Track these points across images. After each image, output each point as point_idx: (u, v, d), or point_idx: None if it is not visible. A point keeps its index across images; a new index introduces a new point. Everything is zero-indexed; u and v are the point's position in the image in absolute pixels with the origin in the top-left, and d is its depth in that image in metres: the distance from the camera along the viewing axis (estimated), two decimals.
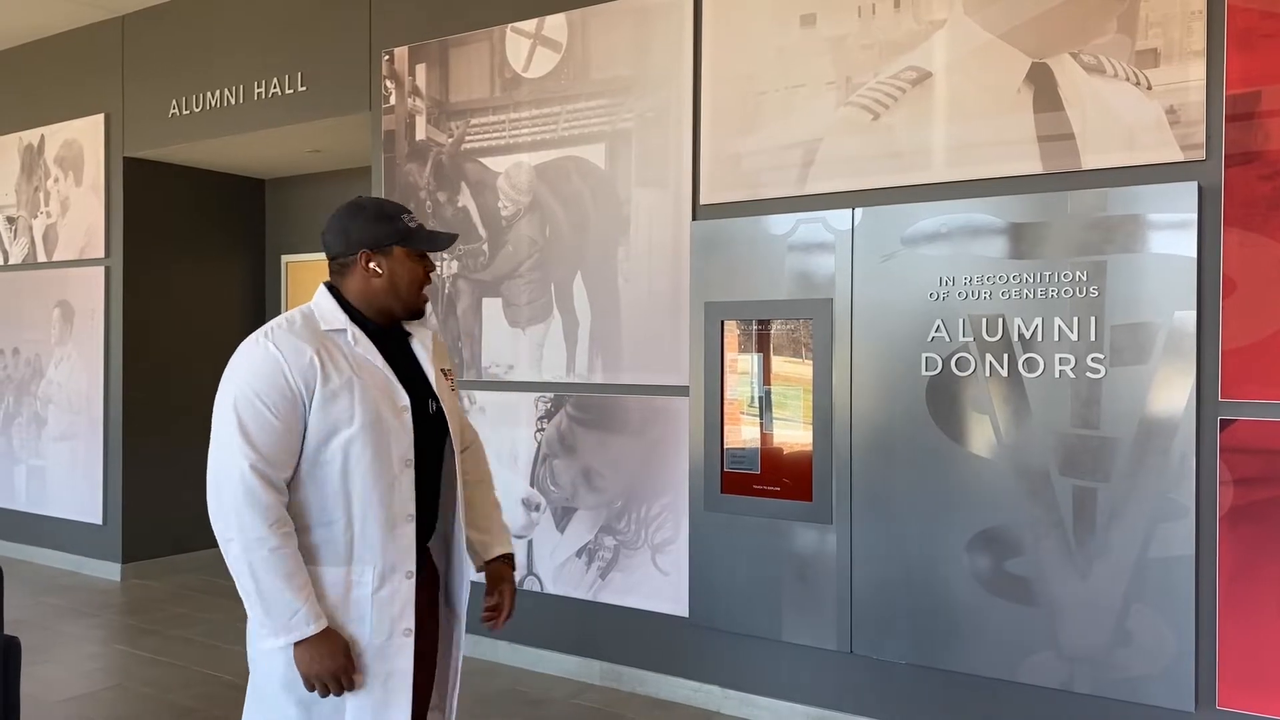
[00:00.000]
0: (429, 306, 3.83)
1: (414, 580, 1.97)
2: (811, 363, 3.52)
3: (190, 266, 6.26)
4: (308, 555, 1.90)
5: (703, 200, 3.80)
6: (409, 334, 2.09)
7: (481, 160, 4.40)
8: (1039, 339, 3.12)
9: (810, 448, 3.53)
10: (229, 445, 1.85)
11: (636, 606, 3.98)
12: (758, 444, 3.66)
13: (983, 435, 3.21)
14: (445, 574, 2.16)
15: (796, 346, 3.58)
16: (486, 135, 4.38)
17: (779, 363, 3.62)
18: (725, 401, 3.72)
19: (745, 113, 3.72)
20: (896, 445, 3.35)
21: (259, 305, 6.66)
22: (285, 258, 6.61)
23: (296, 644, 1.84)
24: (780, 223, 3.59)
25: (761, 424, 3.65)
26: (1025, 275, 3.14)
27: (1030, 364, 3.13)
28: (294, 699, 1.89)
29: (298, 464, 1.89)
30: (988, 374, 3.20)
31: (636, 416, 3.95)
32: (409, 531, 1.97)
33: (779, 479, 3.61)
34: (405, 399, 1.98)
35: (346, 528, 1.91)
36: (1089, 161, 3.11)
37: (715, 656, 3.79)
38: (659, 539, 3.93)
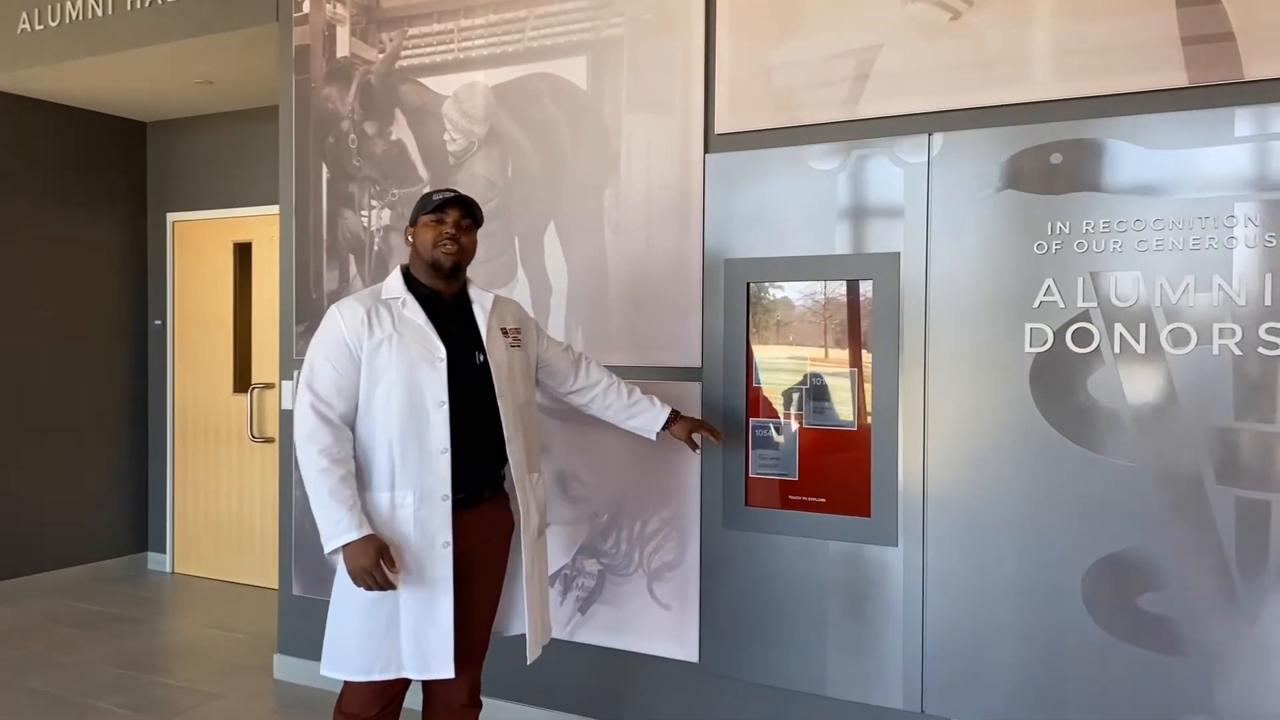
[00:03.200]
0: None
1: (449, 503, 2.33)
2: (871, 338, 2.70)
3: (52, 226, 5.14)
4: (364, 481, 2.33)
5: (719, 128, 2.94)
6: (471, 299, 2.50)
7: (422, 81, 3.46)
8: (1189, 304, 2.36)
9: (869, 447, 2.71)
10: (301, 388, 2.32)
11: (627, 649, 3.12)
12: (796, 443, 2.83)
13: (1109, 430, 2.43)
14: (525, 502, 2.49)
15: (850, 317, 2.75)
16: (429, 48, 3.44)
17: (826, 338, 2.79)
18: (751, 389, 2.88)
19: (777, 11, 2.87)
20: (988, 443, 2.56)
21: (140, 272, 5.56)
22: (171, 216, 5.52)
23: (344, 546, 2.22)
24: (828, 155, 2.75)
25: (801, 417, 2.82)
26: (1170, 220, 2.37)
27: (1177, 337, 2.37)
28: (361, 592, 2.27)
29: (358, 406, 2.33)
30: (1116, 350, 2.43)
31: None
32: (444, 461, 2.32)
33: (825, 488, 2.79)
34: (441, 351, 2.35)
35: (389, 459, 2.32)
36: (1255, 70, 2.35)
37: (734, 715, 2.96)
38: (658, 563, 3.07)
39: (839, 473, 2.76)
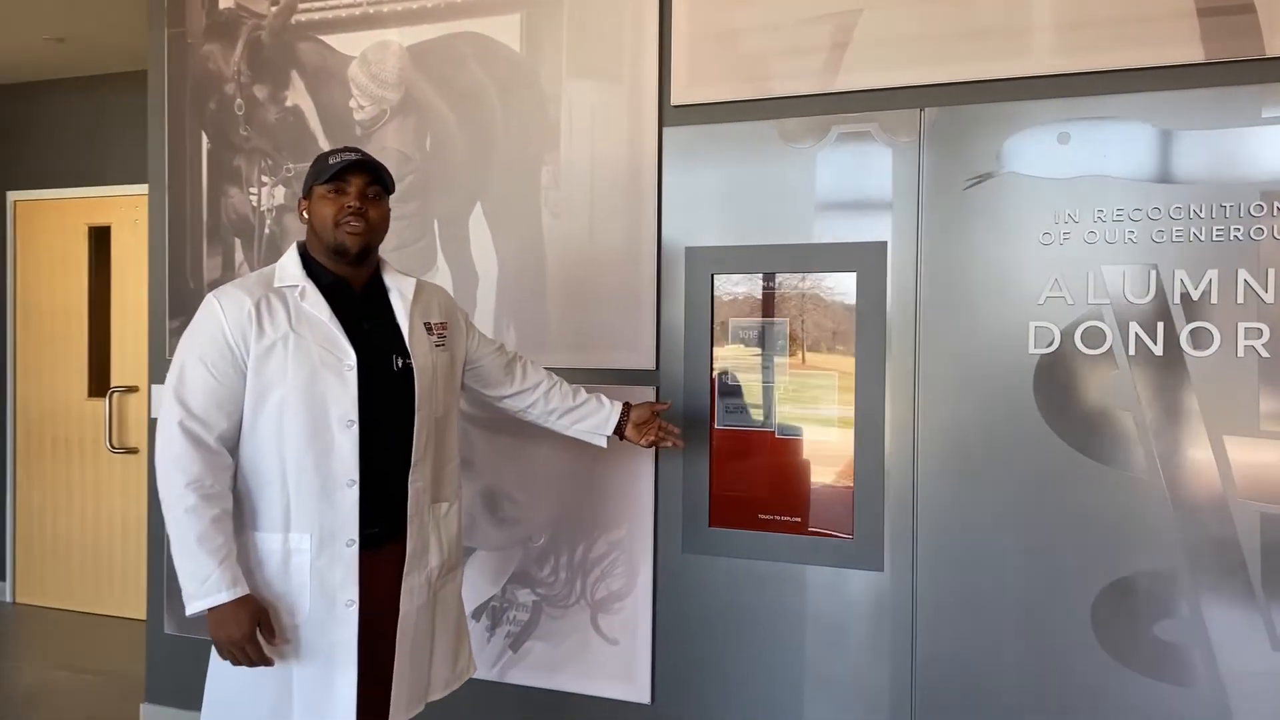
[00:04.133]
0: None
1: (356, 548, 1.91)
2: (854, 337, 2.40)
3: None
4: (248, 520, 1.90)
5: (676, 99, 2.60)
6: (388, 286, 2.06)
7: (323, 39, 2.99)
8: (1212, 300, 2.14)
9: (850, 461, 2.41)
10: (168, 399, 1.86)
11: (567, 690, 2.74)
12: (767, 456, 2.50)
13: (1122, 440, 2.20)
14: (421, 542, 2.04)
15: (830, 314, 2.45)
16: (333, 1, 2.98)
17: (803, 337, 2.48)
18: (716, 394, 2.54)
19: None
20: (986, 455, 2.29)
21: None
22: (12, 195, 4.83)
23: (210, 610, 1.80)
24: (806, 131, 2.44)
25: (773, 426, 2.50)
26: (1192, 208, 2.15)
27: (1198, 337, 2.15)
28: (241, 669, 1.86)
29: (241, 424, 1.89)
30: (1131, 351, 2.19)
31: None
32: (352, 496, 1.90)
33: (800, 506, 2.47)
34: (351, 356, 1.91)
35: (281, 491, 1.89)
36: (1278, 45, 2.15)
37: None
38: (604, 592, 2.70)
39: (818, 489, 2.46)
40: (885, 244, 2.36)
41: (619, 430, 2.30)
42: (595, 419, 2.30)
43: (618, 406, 2.30)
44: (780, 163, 2.45)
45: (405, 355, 2.00)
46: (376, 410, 1.93)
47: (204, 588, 1.79)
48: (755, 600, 2.49)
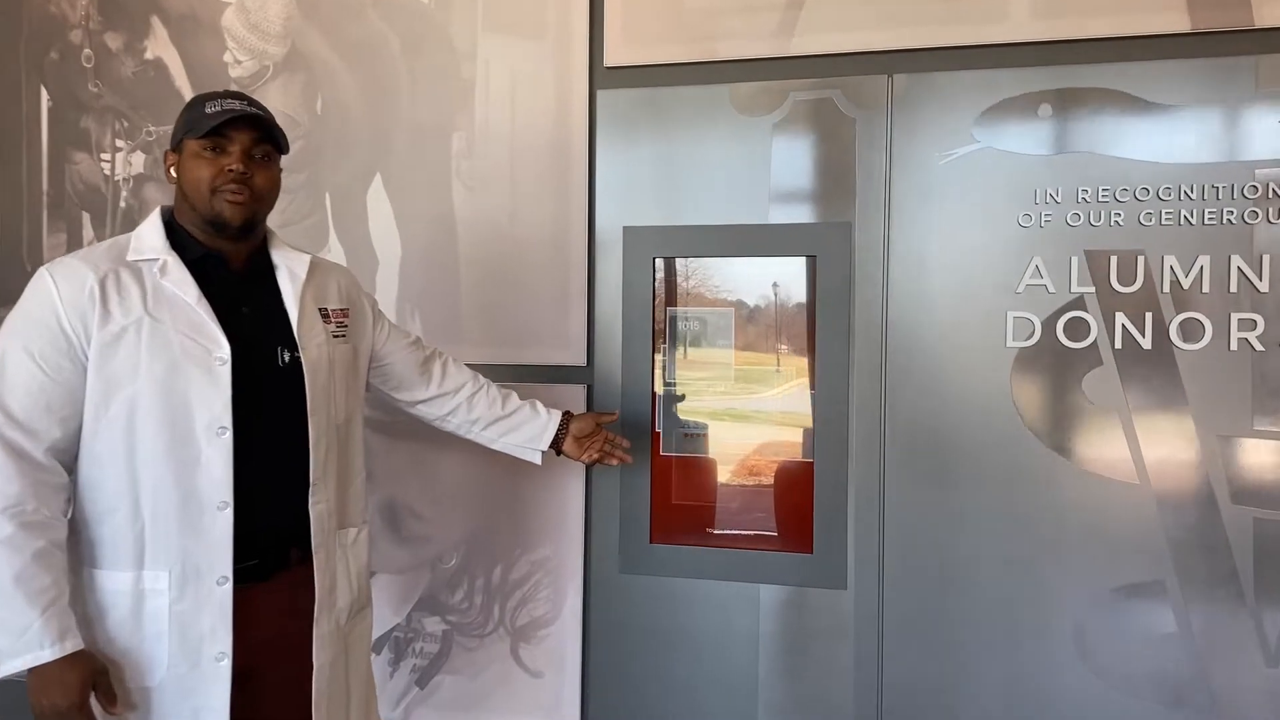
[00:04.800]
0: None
1: (230, 587, 1.55)
2: (814, 329, 2.15)
3: None
4: (87, 554, 1.54)
5: (610, 59, 2.29)
6: (275, 263, 1.71)
7: None
8: (1203, 289, 1.97)
9: (809, 466, 2.16)
10: None
11: None
12: (717, 462, 2.23)
13: (1106, 442, 2.01)
14: (329, 578, 1.68)
15: (788, 303, 2.19)
16: None
17: (756, 328, 2.21)
18: (658, 393, 2.25)
19: None
20: (960, 460, 2.07)
21: None
22: None
23: (30, 671, 1.43)
24: (760, 98, 2.17)
25: (717, 429, 2.23)
26: (1182, 189, 1.98)
27: (1189, 329, 1.98)
28: None
29: (80, 433, 1.52)
30: (1117, 345, 2.01)
31: None
32: (222, 523, 1.54)
33: (754, 517, 2.21)
34: (223, 347, 1.56)
35: (133, 518, 1.52)
36: (1267, 15, 2.00)
37: None
38: (525, 619, 2.38)
39: (774, 498, 2.20)
40: (849, 225, 2.12)
41: (556, 444, 1.98)
42: (527, 431, 1.98)
43: (555, 416, 1.99)
44: (731, 133, 2.18)
45: (294, 347, 1.66)
46: (256, 414, 1.59)
47: (22, 641, 1.42)
48: (704, 625, 2.22)
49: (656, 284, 2.22)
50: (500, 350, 2.36)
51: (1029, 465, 2.04)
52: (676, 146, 2.20)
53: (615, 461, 2.02)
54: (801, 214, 2.14)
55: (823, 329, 2.13)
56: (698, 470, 2.24)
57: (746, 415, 2.20)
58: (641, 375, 2.23)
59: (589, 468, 2.29)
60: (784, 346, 2.18)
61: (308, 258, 1.75)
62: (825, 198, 2.13)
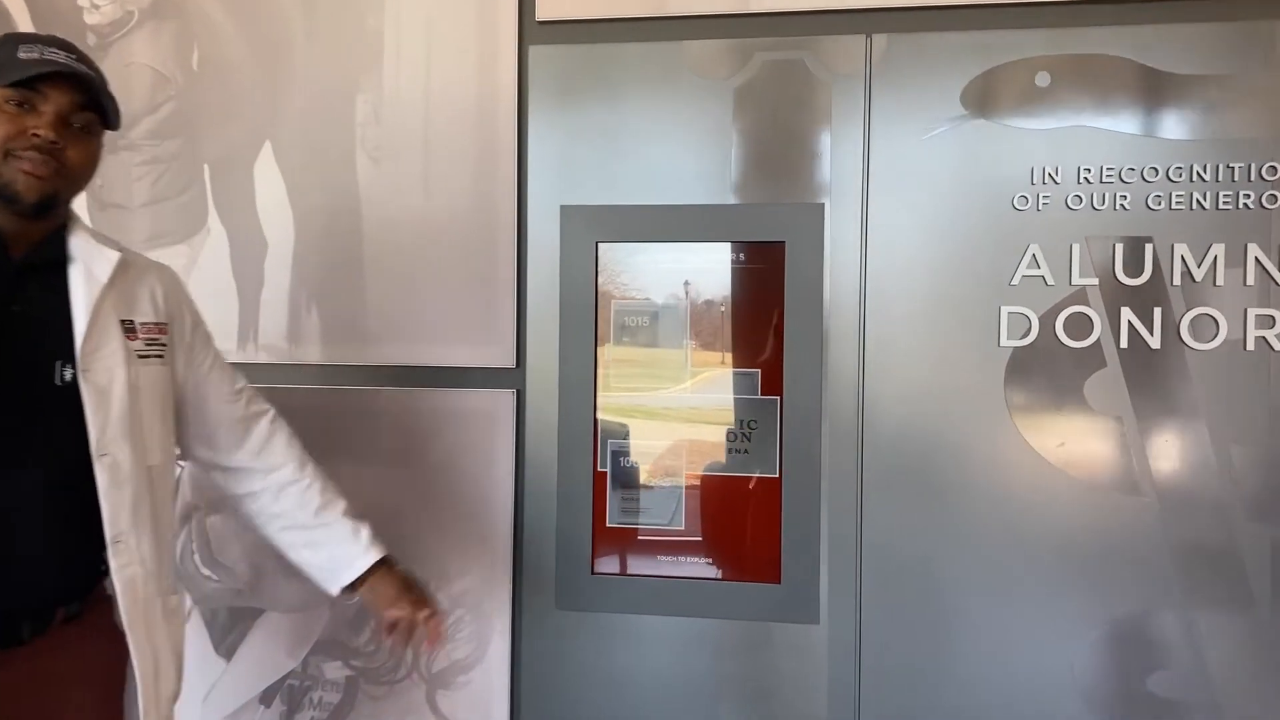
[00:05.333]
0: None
1: None
2: (782, 326, 1.87)
3: None
4: None
5: (543, 13, 1.97)
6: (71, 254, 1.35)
7: None
8: (1216, 281, 1.76)
9: (777, 484, 1.88)
10: None
11: None
12: (673, 481, 1.93)
13: (1110, 453, 1.78)
14: (151, 659, 1.36)
15: (752, 295, 1.90)
16: None
17: (716, 326, 1.92)
18: (601, 400, 1.94)
19: None
20: (948, 475, 1.82)
21: None
22: None
23: None
24: (720, 59, 1.88)
25: (667, 442, 1.93)
26: (1194, 169, 1.76)
27: (1200, 327, 1.76)
28: None
29: None
30: (1122, 344, 1.78)
31: (395, 431, 2.02)
32: None
33: (712, 543, 1.92)
34: None
35: None
36: None
37: None
38: (444, 663, 2.05)
39: (736, 522, 1.91)
40: (822, 206, 1.85)
41: (357, 584, 1.56)
42: (330, 554, 1.55)
43: (372, 555, 1.56)
44: (686, 99, 1.88)
45: (74, 364, 1.31)
46: (18, 444, 1.27)
47: None
48: (654, 667, 1.92)
49: (600, 273, 1.91)
50: (413, 350, 2.02)
51: (1025, 480, 1.80)
52: (622, 113, 1.90)
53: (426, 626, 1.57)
54: (766, 192, 1.86)
55: (792, 326, 1.85)
56: (648, 489, 1.94)
57: (695, 421, 1.91)
58: (582, 378, 1.92)
59: (519, 482, 1.97)
60: (748, 348, 1.90)
61: (116, 255, 1.40)
62: (795, 175, 1.85)
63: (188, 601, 2.07)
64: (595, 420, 1.92)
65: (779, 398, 1.87)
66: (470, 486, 1.99)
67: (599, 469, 1.93)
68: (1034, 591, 1.80)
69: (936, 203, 1.81)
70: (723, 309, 1.89)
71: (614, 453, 1.93)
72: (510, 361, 1.98)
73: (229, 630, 2.11)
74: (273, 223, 2.06)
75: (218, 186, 2.09)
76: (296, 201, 2.06)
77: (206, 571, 2.10)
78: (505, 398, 1.98)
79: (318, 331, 2.05)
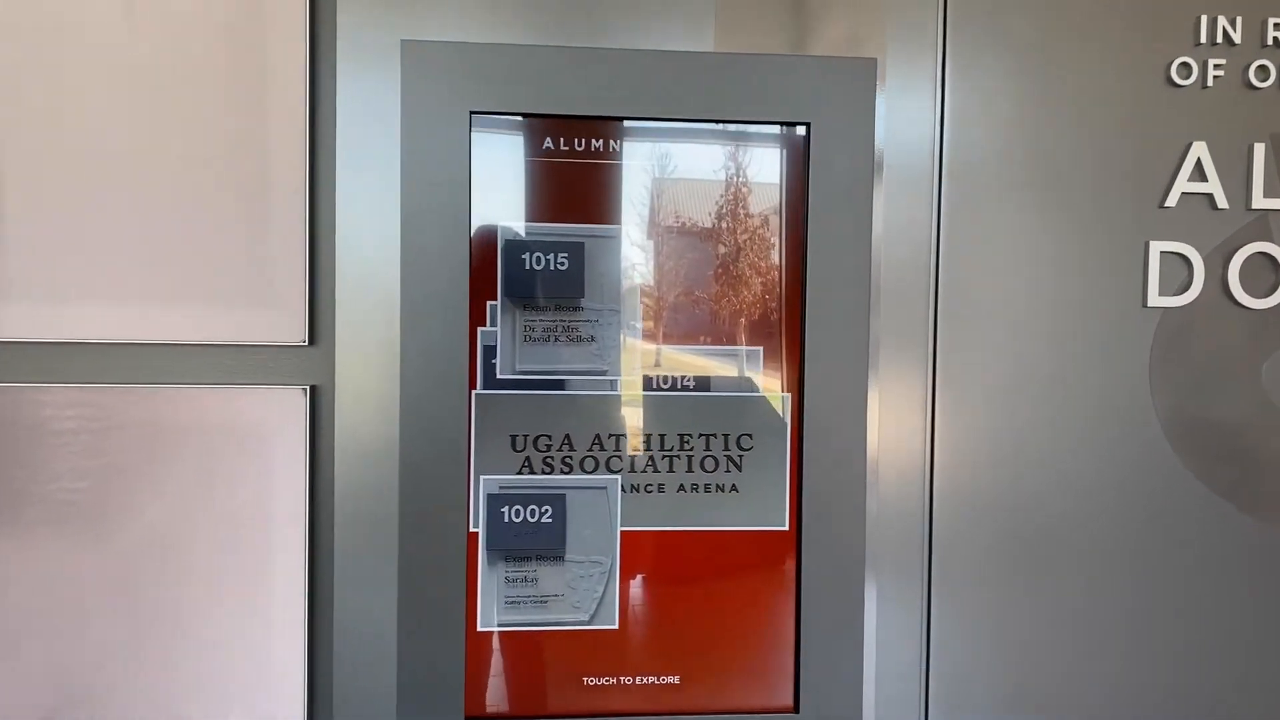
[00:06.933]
0: None
1: None
2: (799, 276, 1.08)
3: None
4: None
5: None
6: None
7: None
8: None
9: (789, 542, 1.09)
10: None
11: None
12: (616, 545, 1.09)
13: None
14: None
15: (749, 225, 1.09)
16: None
17: (686, 274, 1.09)
18: (473, 407, 1.07)
19: None
20: (1068, 522, 1.11)
21: None
22: None
23: None
24: None
25: (621, 484, 1.09)
26: None
27: None
28: None
29: None
30: None
31: (57, 468, 1.06)
32: None
33: (685, 650, 1.10)
34: None
35: None
36: None
37: None
38: None
39: (714, 611, 1.11)
40: (873, 65, 1.07)
41: None
42: None
43: None
44: None
45: None
46: None
47: None
48: None
49: (475, 168, 1.04)
50: (126, 313, 1.06)
51: (1181, 519, 1.12)
52: None
53: None
54: (779, 43, 1.06)
55: (816, 276, 1.06)
56: (575, 562, 1.09)
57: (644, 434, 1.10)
58: (442, 371, 1.04)
59: (312, 535, 1.07)
60: (739, 314, 1.09)
61: None
62: (829, 12, 1.06)
63: None
64: (469, 438, 1.05)
65: (791, 395, 1.08)
66: (229, 551, 1.07)
67: (470, 528, 1.06)
68: (1185, 684, 1.13)
69: (1047, 68, 1.08)
70: (699, 249, 1.08)
71: (496, 496, 1.07)
72: (300, 336, 1.07)
73: None
74: None
75: None
76: None
77: None
78: (291, 399, 1.06)
79: None
